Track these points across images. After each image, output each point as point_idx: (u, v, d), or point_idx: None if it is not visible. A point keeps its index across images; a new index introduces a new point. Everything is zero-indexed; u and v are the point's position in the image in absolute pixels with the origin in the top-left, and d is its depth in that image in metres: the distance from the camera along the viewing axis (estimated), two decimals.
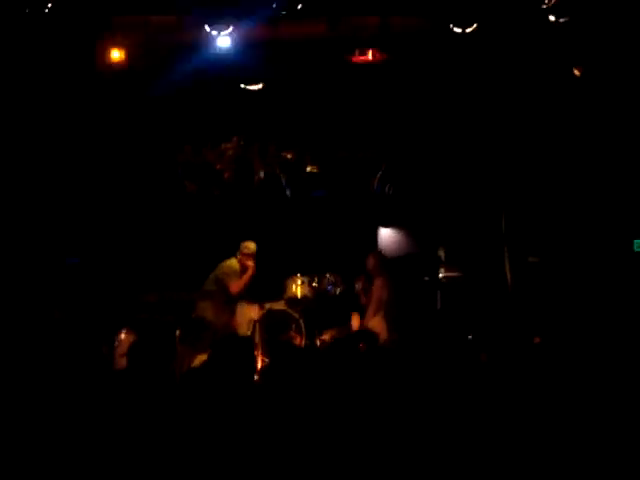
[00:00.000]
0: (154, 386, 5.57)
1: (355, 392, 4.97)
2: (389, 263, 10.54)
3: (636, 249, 10.20)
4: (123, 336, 9.55)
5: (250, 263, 10.15)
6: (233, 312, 10.31)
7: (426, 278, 10.84)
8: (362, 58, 9.91)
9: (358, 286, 10.51)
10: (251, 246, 10.21)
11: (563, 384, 5.32)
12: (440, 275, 10.95)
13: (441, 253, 11.21)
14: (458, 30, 8.81)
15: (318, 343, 10.27)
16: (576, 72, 9.54)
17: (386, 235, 12.01)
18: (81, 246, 11.10)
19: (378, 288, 10.15)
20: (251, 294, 10.61)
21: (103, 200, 11.16)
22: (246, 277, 10.13)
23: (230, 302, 10.22)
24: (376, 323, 9.82)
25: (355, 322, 10.25)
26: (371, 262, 10.34)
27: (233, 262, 10.19)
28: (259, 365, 9.07)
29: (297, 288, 10.79)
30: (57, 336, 9.41)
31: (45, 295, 10.22)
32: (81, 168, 10.92)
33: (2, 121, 10.10)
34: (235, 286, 10.07)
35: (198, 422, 4.58)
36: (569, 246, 10.36)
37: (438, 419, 4.65)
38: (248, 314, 10.63)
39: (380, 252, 10.83)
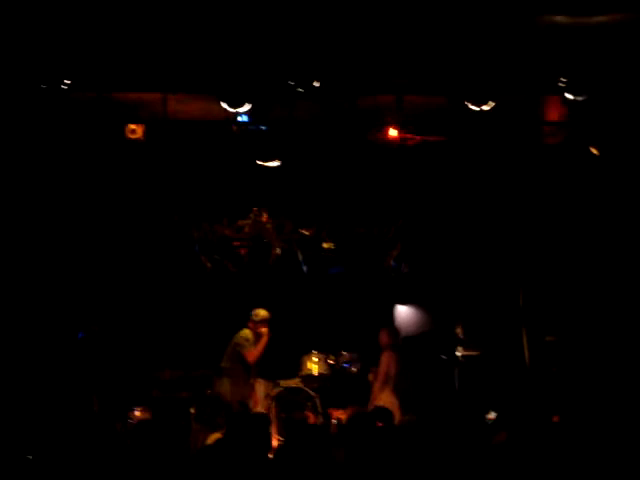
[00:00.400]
0: (168, 464, 5.51)
1: (370, 472, 4.90)
2: (400, 339, 10.48)
3: None
4: (138, 413, 9.49)
5: (264, 330, 10.07)
6: (250, 389, 10.21)
7: (443, 356, 10.75)
8: (384, 136, 9.93)
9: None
10: (262, 313, 10.15)
11: (583, 463, 5.24)
12: (458, 353, 10.86)
13: (458, 331, 11.14)
14: (475, 108, 8.86)
15: (334, 422, 10.15)
16: (594, 151, 9.56)
17: (403, 312, 11.96)
18: (95, 319, 11.08)
19: (385, 362, 10.09)
20: (267, 371, 10.55)
21: (119, 274, 11.17)
22: (261, 345, 10.03)
23: (247, 378, 10.11)
24: (385, 399, 9.75)
25: None
26: (383, 337, 10.28)
27: (246, 332, 10.12)
28: (274, 443, 8.96)
29: (313, 365, 10.74)
30: (72, 412, 9.40)
31: (59, 369, 10.18)
32: (99, 241, 10.95)
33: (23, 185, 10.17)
34: (251, 355, 9.97)
35: None
36: (586, 325, 10.28)
37: None
38: (264, 391, 10.56)
39: (393, 328, 10.75)
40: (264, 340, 10.06)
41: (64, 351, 10.53)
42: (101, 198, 10.75)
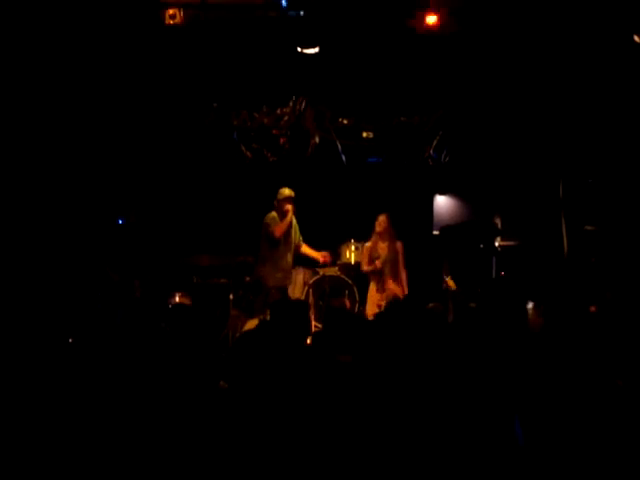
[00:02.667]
0: (206, 348, 5.60)
1: (409, 358, 4.93)
2: None
3: None
4: (177, 299, 9.63)
5: (288, 207, 9.92)
6: (288, 276, 10.25)
7: (481, 246, 10.72)
8: (424, 22, 9.75)
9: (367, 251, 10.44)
10: (285, 191, 10.05)
11: (619, 353, 5.25)
12: (496, 243, 10.85)
13: (497, 221, 11.12)
14: None
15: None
16: (636, 39, 9.31)
17: (442, 203, 11.92)
18: (134, 207, 11.17)
19: (401, 251, 10.20)
20: (305, 260, 10.60)
21: (160, 162, 11.21)
22: (286, 221, 9.89)
23: (284, 264, 10.11)
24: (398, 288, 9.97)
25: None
26: (385, 223, 10.27)
27: (273, 213, 9.99)
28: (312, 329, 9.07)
29: (351, 254, 10.78)
30: (114, 298, 9.54)
31: (98, 256, 10.30)
32: (138, 131, 10.96)
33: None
34: (278, 230, 9.81)
35: (251, 383, 4.58)
36: (627, 215, 10.17)
37: (496, 386, 4.60)
38: (302, 279, 10.64)
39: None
40: (289, 216, 9.97)
41: (104, 237, 10.65)
42: (140, 85, 10.69)
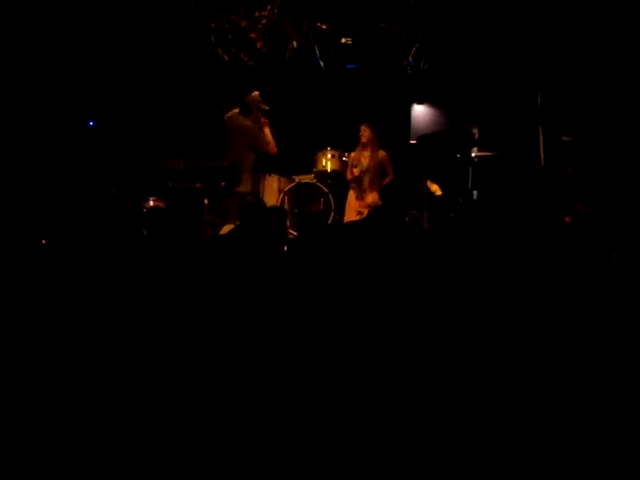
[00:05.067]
0: (183, 252, 5.58)
1: (385, 264, 4.95)
2: None
3: None
4: (151, 203, 9.57)
5: (265, 120, 9.88)
6: (261, 181, 10.23)
7: (458, 156, 10.71)
8: None
9: (351, 160, 10.52)
10: (259, 98, 9.93)
11: (591, 263, 5.29)
12: (473, 154, 10.84)
13: (475, 131, 11.08)
14: None
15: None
16: None
17: (420, 112, 11.85)
18: (107, 108, 10.99)
19: (386, 159, 10.31)
20: (280, 166, 10.55)
21: (135, 63, 11.01)
22: (270, 133, 9.88)
23: (258, 170, 10.06)
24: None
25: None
26: (368, 133, 10.32)
27: (246, 120, 9.84)
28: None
29: (327, 162, 10.73)
30: (86, 200, 9.47)
31: (70, 158, 10.17)
32: (112, 30, 10.72)
33: None
34: (273, 147, 9.86)
35: (225, 288, 4.58)
36: (604, 126, 10.15)
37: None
38: (277, 186, 10.60)
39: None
40: (268, 131, 9.89)
41: (75, 139, 10.51)
42: None
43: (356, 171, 10.24)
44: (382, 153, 10.34)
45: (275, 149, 9.78)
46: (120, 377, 3.91)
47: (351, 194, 10.38)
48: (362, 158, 10.29)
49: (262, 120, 9.80)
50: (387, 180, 10.32)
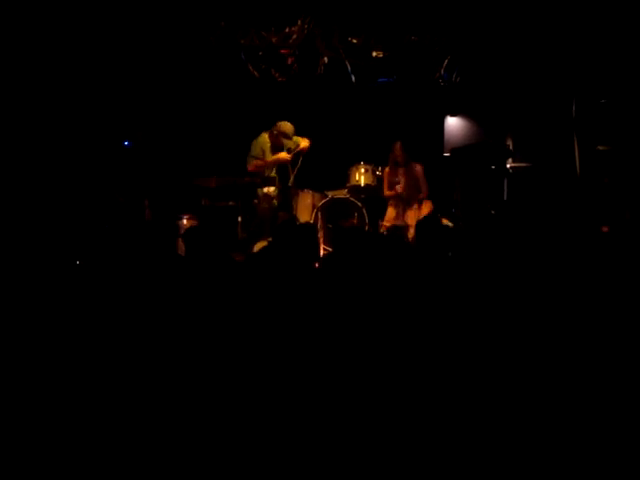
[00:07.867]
0: (215, 271, 5.55)
1: (418, 278, 4.89)
2: None
3: None
4: (185, 222, 9.58)
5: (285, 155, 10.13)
6: (294, 197, 10.24)
7: (492, 167, 10.63)
8: None
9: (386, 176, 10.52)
10: (287, 126, 10.13)
11: (631, 273, 5.20)
12: (507, 165, 10.76)
13: (509, 142, 11.00)
14: None
15: (382, 231, 10.22)
16: None
17: (453, 124, 11.77)
18: (139, 128, 11.03)
19: (421, 173, 10.34)
20: (313, 182, 10.53)
21: (167, 82, 11.04)
22: (272, 160, 10.06)
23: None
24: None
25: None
26: (399, 150, 10.34)
27: (264, 136, 10.20)
28: (321, 253, 9.03)
29: (360, 177, 10.68)
30: (121, 221, 9.51)
31: (105, 178, 10.22)
32: (145, 51, 10.77)
33: None
34: (250, 164, 10.06)
35: (258, 305, 4.55)
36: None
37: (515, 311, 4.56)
38: (310, 201, 10.57)
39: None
40: (281, 158, 10.11)
41: (110, 159, 10.55)
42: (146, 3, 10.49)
43: (399, 188, 10.24)
44: (418, 167, 10.36)
45: (248, 167, 10.11)
46: (144, 382, 3.91)
47: (390, 211, 10.36)
48: (399, 174, 10.33)
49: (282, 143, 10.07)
50: (421, 196, 10.28)
